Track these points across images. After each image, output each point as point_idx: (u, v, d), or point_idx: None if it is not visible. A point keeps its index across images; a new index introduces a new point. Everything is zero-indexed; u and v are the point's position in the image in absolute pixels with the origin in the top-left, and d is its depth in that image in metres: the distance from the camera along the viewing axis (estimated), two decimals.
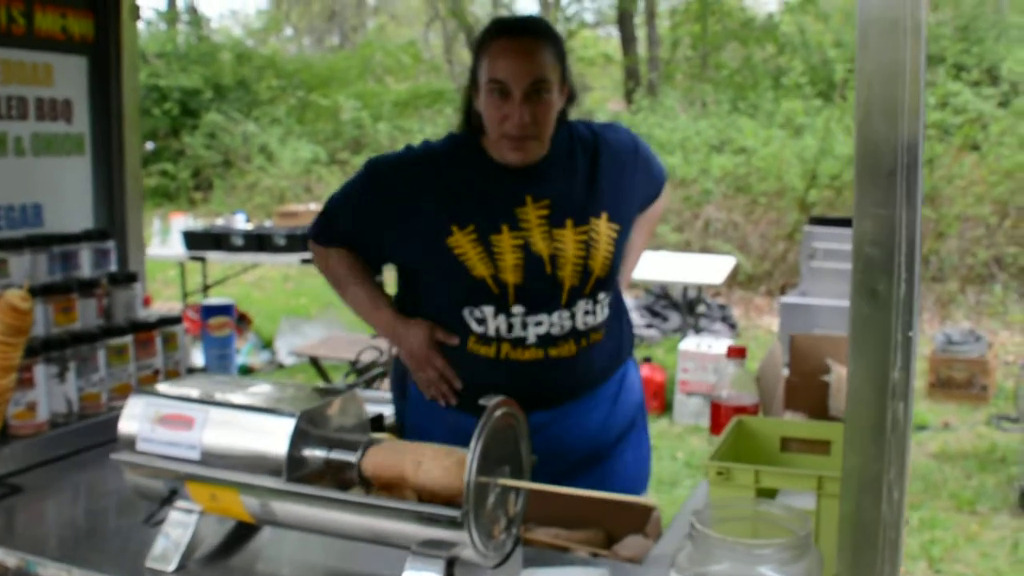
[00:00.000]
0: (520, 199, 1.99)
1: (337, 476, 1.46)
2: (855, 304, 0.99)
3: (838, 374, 1.87)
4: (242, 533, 1.62)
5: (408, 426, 2.22)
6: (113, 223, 2.57)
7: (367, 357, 3.45)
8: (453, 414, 2.09)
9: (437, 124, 11.88)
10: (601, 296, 2.05)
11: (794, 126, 10.40)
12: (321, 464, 1.44)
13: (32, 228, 2.36)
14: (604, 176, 2.05)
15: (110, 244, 2.44)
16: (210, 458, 1.45)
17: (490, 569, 1.35)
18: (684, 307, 6.99)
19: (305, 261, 6.55)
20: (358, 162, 14.50)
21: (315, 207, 7.72)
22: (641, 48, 15.09)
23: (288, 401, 1.47)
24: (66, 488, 1.93)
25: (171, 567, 1.49)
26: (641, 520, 1.94)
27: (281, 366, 6.94)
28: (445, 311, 2.05)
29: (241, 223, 7.27)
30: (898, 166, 0.98)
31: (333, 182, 12.13)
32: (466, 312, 2.01)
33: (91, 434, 2.12)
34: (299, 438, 1.41)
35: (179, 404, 1.49)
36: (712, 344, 5.82)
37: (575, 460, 2.11)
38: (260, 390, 1.54)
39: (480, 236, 1.97)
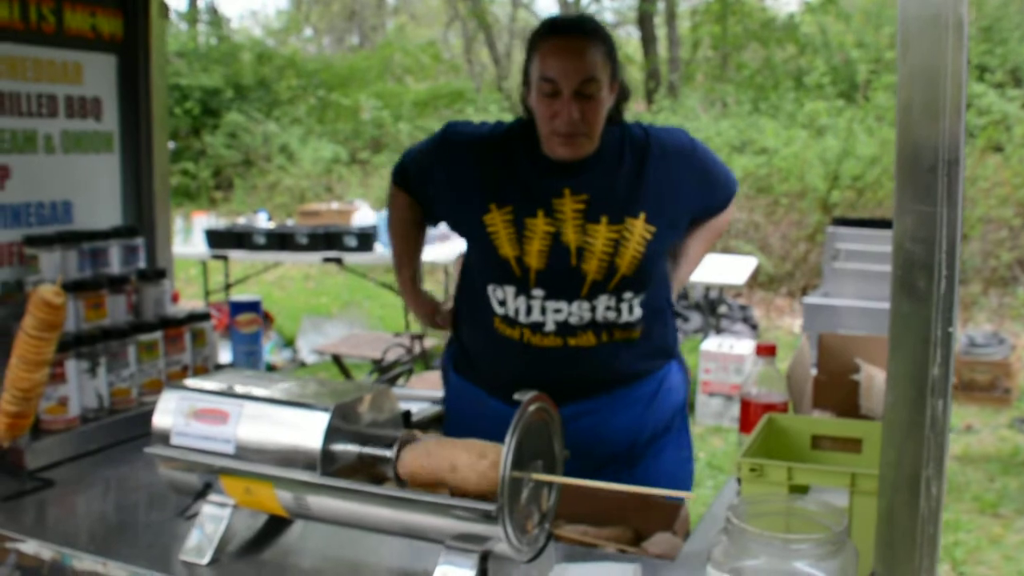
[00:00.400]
0: (559, 191, 2.04)
1: (370, 471, 1.47)
2: (895, 300, 0.99)
3: (868, 373, 1.87)
4: (273, 528, 1.64)
5: (449, 411, 2.34)
6: (141, 220, 2.58)
7: (392, 355, 3.47)
8: (491, 402, 2.17)
9: None
10: (627, 295, 2.06)
11: (816, 127, 10.35)
12: (354, 458, 1.45)
13: (62, 225, 2.38)
14: (650, 177, 2.06)
15: (139, 241, 2.45)
16: (245, 452, 1.46)
17: (523, 564, 1.35)
18: (705, 307, 6.97)
19: (327, 260, 6.58)
20: (379, 161, 14.39)
21: (337, 206, 7.75)
22: (661, 49, 15.05)
23: (322, 396, 1.48)
24: (97, 482, 1.94)
25: (205, 560, 1.50)
26: (669, 518, 1.94)
27: (303, 364, 6.98)
28: (477, 283, 2.16)
29: (263, 222, 7.31)
30: (939, 162, 0.97)
31: (354, 182, 12.15)
32: (490, 289, 2.10)
33: (121, 429, 2.14)
34: (333, 432, 1.41)
35: (214, 398, 1.51)
36: (734, 344, 5.80)
37: (604, 456, 2.12)
38: (293, 385, 1.55)
39: (515, 218, 2.05)
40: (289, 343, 7.34)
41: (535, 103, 2.01)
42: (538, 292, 2.05)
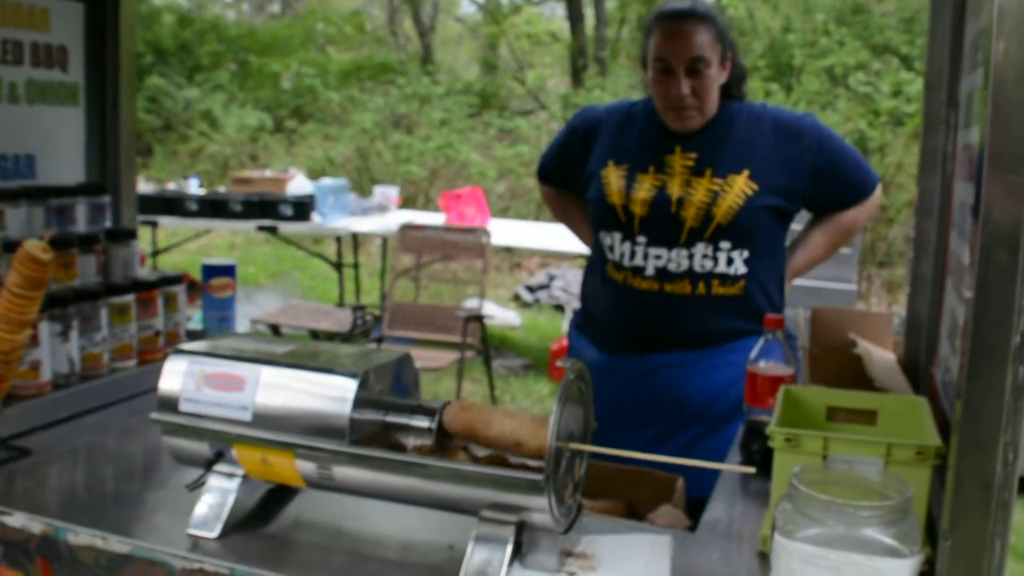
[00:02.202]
0: (671, 148, 2.23)
1: (390, 439, 1.42)
2: (980, 267, 0.99)
3: (866, 348, 1.89)
4: (273, 500, 1.57)
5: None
6: (106, 178, 2.46)
7: (334, 326, 3.40)
8: (591, 351, 2.39)
9: (389, 95, 11.70)
10: (723, 245, 2.19)
11: None
12: (379, 427, 1.40)
13: (24, 180, 2.25)
14: (760, 145, 2.21)
15: (106, 199, 2.33)
16: (263, 420, 1.39)
17: (559, 535, 1.32)
18: None
19: (261, 228, 6.42)
20: (305, 131, 13.98)
21: (270, 174, 7.57)
22: (588, 27, 15.04)
23: (345, 361, 1.42)
24: (73, 452, 1.84)
25: (215, 533, 1.42)
26: (666, 491, 1.93)
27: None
28: (596, 234, 2.37)
29: (194, 188, 7.10)
30: None
31: (279, 150, 11.89)
32: (602, 235, 2.32)
33: (93, 396, 2.05)
34: (361, 399, 1.36)
35: (228, 363, 1.43)
36: None
37: (685, 414, 2.25)
38: (308, 350, 1.49)
39: (629, 173, 2.27)
40: None
41: (651, 82, 2.22)
42: (641, 239, 2.23)
